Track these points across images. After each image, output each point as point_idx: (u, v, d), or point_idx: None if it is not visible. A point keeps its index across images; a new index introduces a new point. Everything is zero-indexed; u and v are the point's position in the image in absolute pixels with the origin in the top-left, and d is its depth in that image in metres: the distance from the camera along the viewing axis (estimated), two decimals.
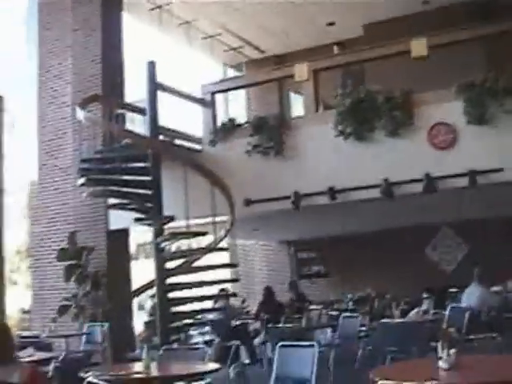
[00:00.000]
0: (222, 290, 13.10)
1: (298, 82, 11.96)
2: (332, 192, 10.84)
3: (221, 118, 12.74)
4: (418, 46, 10.76)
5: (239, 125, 12.32)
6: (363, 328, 11.59)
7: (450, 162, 10.22)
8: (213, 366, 6.74)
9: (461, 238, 16.78)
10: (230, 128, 12.09)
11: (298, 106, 15.74)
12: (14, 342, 4.08)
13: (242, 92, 18.39)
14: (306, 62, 11.83)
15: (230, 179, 10.90)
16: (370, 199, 10.86)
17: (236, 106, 18.58)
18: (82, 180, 10.89)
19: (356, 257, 17.61)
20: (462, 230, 16.54)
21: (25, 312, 21.02)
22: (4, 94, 12.87)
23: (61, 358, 8.06)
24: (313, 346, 6.87)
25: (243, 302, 15.89)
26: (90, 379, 5.38)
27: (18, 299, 21.06)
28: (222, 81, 14.01)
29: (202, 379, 7.07)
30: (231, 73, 20.00)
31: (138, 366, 6.69)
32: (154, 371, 6.36)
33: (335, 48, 16.60)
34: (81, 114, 10.87)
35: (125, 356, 10.84)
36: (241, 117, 15.37)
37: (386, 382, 4.68)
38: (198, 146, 12.36)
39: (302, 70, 11.70)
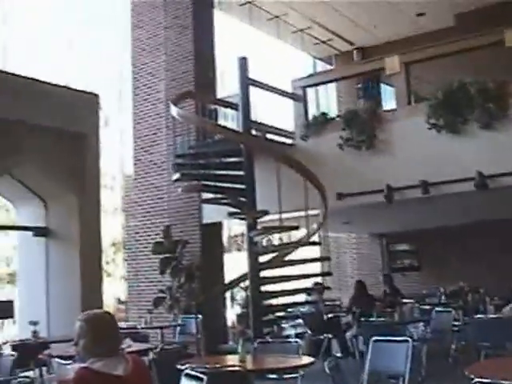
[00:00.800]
0: (317, 283, 13.16)
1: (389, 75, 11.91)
2: (425, 185, 10.75)
3: (311, 111, 12.77)
4: None
5: (331, 118, 12.34)
6: (456, 323, 11.45)
7: None
8: (307, 359, 6.77)
9: None
10: (322, 122, 12.11)
11: (389, 96, 15.62)
12: (120, 333, 4.15)
13: (333, 84, 18.36)
14: (396, 55, 11.76)
15: (322, 173, 10.91)
16: (464, 192, 10.72)
17: (326, 98, 18.56)
18: (176, 175, 11.09)
19: (449, 249, 17.38)
20: None
21: (120, 302, 21.56)
22: (99, 91, 13.20)
23: (158, 349, 8.24)
24: (407, 341, 6.85)
25: (334, 301, 15.90)
26: (187, 371, 5.47)
27: (113, 290, 21.61)
28: (312, 75, 14.06)
29: (295, 372, 7.14)
30: (320, 65, 19.99)
31: (233, 359, 6.78)
32: (250, 364, 6.45)
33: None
34: (174, 110, 11.06)
35: (218, 347, 11.02)
36: (331, 108, 15.36)
37: (482, 380, 4.63)
38: (289, 140, 12.44)
39: (392, 63, 11.63)
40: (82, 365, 3.90)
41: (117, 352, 4.00)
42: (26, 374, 8.58)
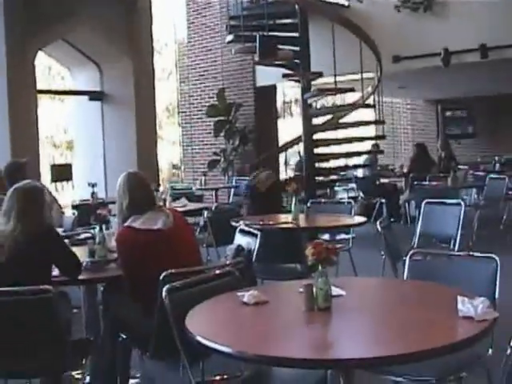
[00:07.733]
0: (375, 145, 13.09)
1: None
2: (484, 49, 10.49)
3: None
4: None
5: None
6: (510, 192, 11.34)
7: None
8: (359, 219, 6.83)
9: None
10: None
11: None
12: (152, 190, 4.35)
13: None
14: None
15: (378, 35, 10.69)
16: None
17: None
18: (230, 37, 10.97)
19: (506, 118, 17.10)
20: None
21: (174, 166, 21.87)
22: None
23: (213, 208, 8.36)
24: (459, 204, 6.81)
25: (387, 166, 15.74)
26: (241, 227, 5.56)
27: (167, 155, 21.87)
28: None
29: (347, 232, 7.22)
30: None
31: (286, 217, 6.86)
32: (302, 222, 6.54)
33: None
34: None
35: None
36: None
37: None
38: (345, 2, 12.15)
39: None
40: (124, 224, 4.07)
41: (155, 207, 4.15)
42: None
